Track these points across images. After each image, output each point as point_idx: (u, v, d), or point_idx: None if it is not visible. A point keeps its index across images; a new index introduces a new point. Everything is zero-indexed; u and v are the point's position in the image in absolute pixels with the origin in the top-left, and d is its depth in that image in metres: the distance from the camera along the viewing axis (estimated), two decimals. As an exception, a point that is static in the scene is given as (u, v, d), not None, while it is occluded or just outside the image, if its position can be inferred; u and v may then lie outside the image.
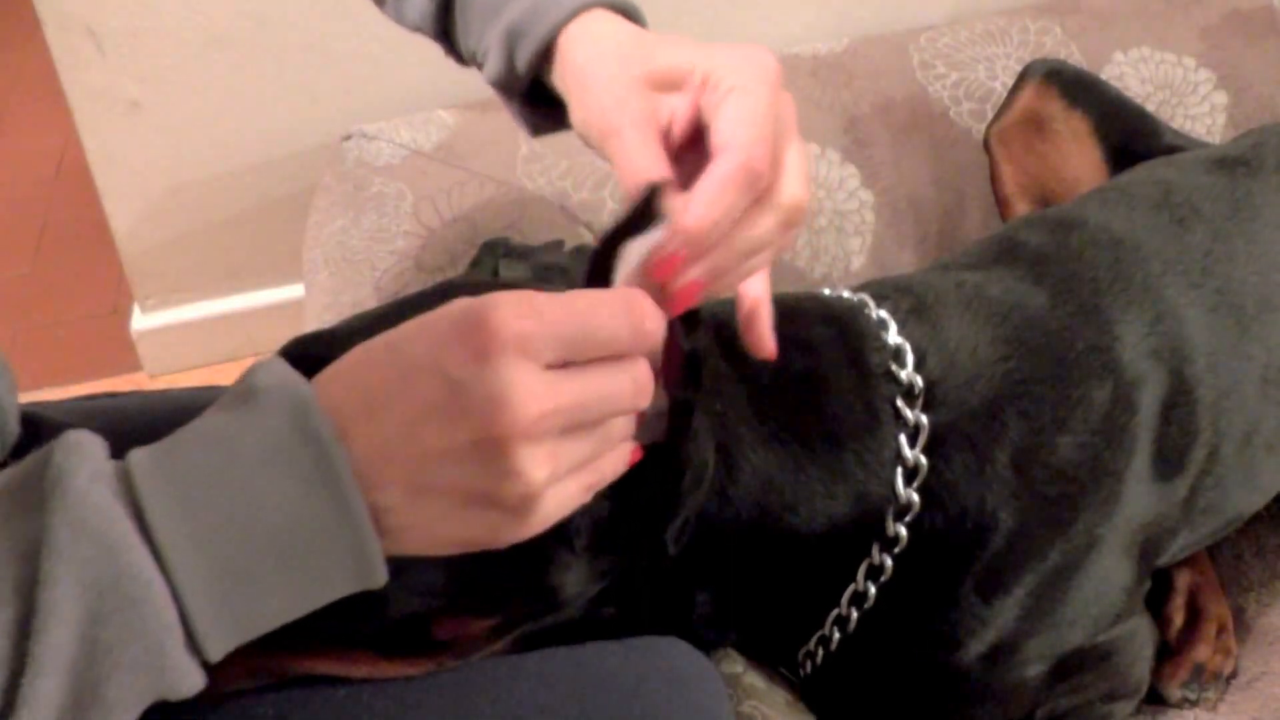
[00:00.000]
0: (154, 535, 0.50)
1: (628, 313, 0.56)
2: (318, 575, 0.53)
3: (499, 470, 0.53)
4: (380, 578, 0.54)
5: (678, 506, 0.66)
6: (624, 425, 0.58)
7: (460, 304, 0.54)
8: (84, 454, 0.51)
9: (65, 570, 0.49)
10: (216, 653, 0.52)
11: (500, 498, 0.54)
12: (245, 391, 0.54)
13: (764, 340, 0.70)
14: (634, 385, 0.56)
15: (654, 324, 0.57)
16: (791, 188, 0.66)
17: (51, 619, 0.48)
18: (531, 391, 0.52)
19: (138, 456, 0.52)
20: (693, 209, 0.61)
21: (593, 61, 0.70)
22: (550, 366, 0.53)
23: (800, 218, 0.67)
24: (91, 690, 0.50)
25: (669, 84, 0.68)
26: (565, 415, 0.54)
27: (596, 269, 0.59)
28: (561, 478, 0.55)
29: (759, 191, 0.64)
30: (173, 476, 0.51)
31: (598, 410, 0.55)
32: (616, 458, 0.58)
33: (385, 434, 0.53)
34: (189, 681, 0.52)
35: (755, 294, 0.70)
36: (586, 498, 0.58)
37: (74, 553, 0.49)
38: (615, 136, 0.67)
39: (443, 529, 0.55)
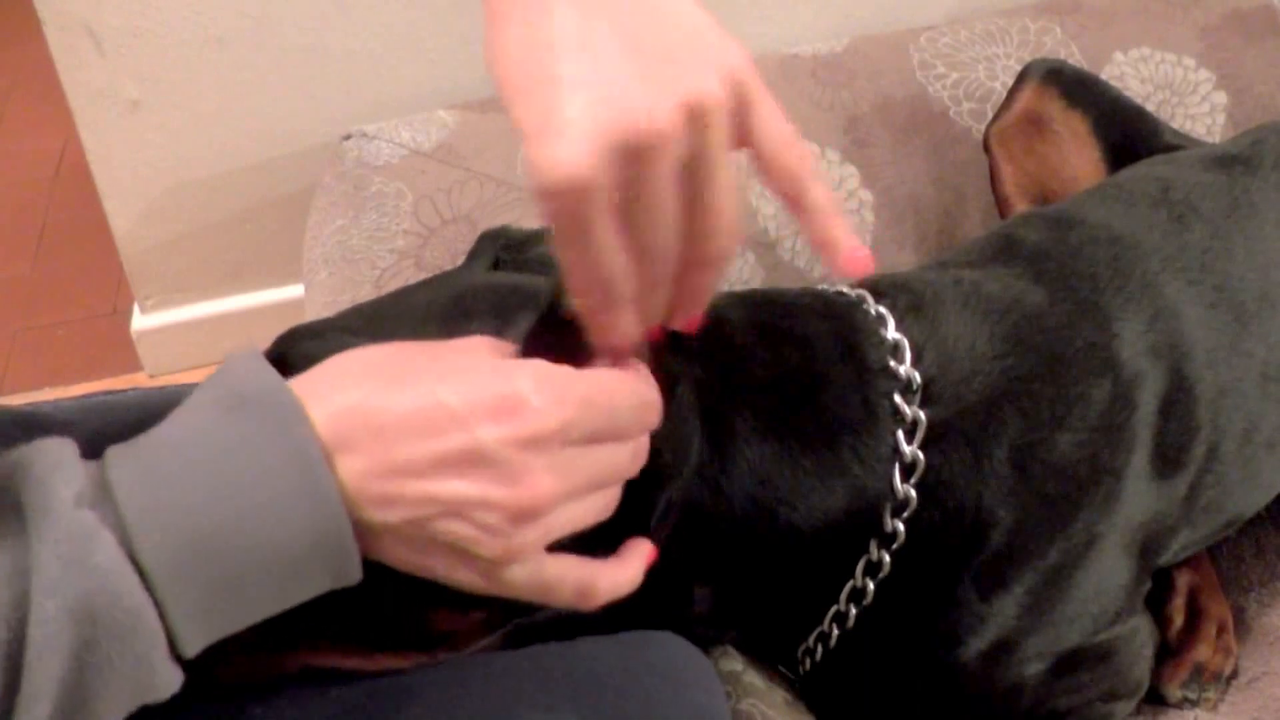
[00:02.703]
0: (139, 555, 0.50)
1: (642, 398, 0.59)
2: (297, 580, 0.54)
3: (490, 531, 0.55)
4: (356, 577, 0.55)
5: (660, 484, 0.66)
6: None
7: (503, 376, 0.55)
8: (65, 472, 0.51)
9: (57, 602, 0.48)
10: (192, 652, 0.52)
11: (480, 551, 0.55)
12: (229, 398, 0.53)
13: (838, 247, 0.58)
14: (632, 457, 0.60)
15: (659, 405, 0.60)
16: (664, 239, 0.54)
17: (46, 650, 0.48)
18: (550, 475, 0.55)
19: (118, 471, 0.51)
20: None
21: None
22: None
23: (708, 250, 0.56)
24: (81, 706, 0.50)
25: None
26: (572, 492, 0.56)
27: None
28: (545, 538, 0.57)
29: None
30: (157, 494, 0.51)
31: (600, 481, 0.58)
32: (599, 507, 0.60)
33: (392, 463, 0.53)
34: (170, 684, 0.52)
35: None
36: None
37: (64, 583, 0.48)
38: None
39: (420, 557, 0.56)
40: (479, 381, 0.54)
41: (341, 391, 0.54)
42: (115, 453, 0.53)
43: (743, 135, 0.56)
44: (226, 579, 0.51)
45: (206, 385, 0.55)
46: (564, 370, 0.56)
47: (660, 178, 0.52)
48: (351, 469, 0.53)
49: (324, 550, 0.53)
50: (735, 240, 0.56)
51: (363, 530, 0.54)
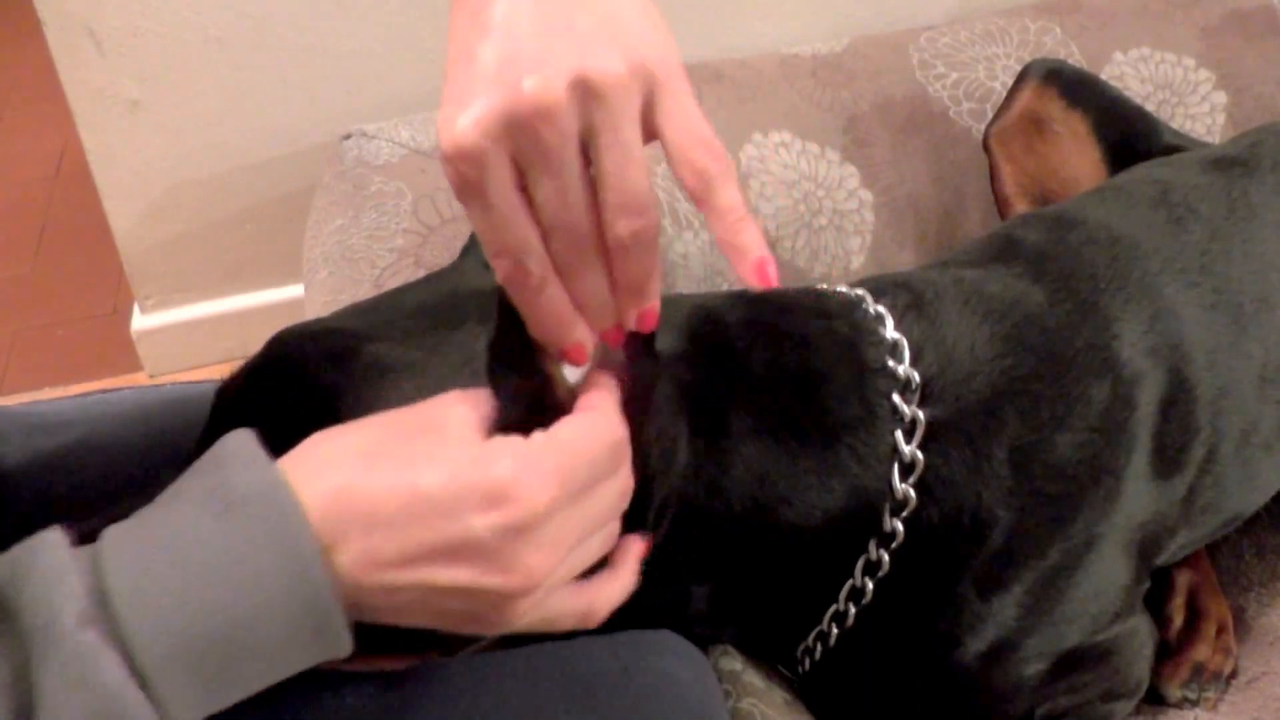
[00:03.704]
0: (140, 665, 0.51)
1: (613, 438, 0.58)
2: (289, 663, 0.55)
3: (490, 605, 0.56)
4: (347, 651, 0.56)
5: (650, 487, 0.66)
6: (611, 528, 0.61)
7: (483, 463, 0.55)
8: (65, 586, 0.51)
9: None
10: None
11: (485, 619, 0.57)
12: (223, 497, 0.54)
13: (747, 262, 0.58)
14: (620, 495, 0.60)
15: (628, 438, 0.60)
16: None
17: None
18: (542, 553, 0.55)
19: (116, 579, 0.51)
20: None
21: None
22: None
23: (623, 219, 0.56)
24: None
25: None
26: (566, 554, 0.57)
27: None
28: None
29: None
30: (157, 606, 0.51)
31: (594, 529, 0.58)
32: (600, 546, 0.60)
33: (384, 555, 0.54)
34: None
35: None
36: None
37: (72, 706, 0.49)
38: None
39: (422, 623, 0.57)
40: (459, 469, 0.55)
41: (324, 476, 0.55)
42: (111, 552, 0.52)
43: (652, 128, 0.57)
44: (223, 672, 0.52)
45: (201, 471, 0.55)
46: (538, 443, 0.56)
47: (551, 148, 0.54)
48: (347, 561, 0.54)
49: (318, 639, 0.54)
50: (647, 220, 0.56)
51: (363, 608, 0.55)
